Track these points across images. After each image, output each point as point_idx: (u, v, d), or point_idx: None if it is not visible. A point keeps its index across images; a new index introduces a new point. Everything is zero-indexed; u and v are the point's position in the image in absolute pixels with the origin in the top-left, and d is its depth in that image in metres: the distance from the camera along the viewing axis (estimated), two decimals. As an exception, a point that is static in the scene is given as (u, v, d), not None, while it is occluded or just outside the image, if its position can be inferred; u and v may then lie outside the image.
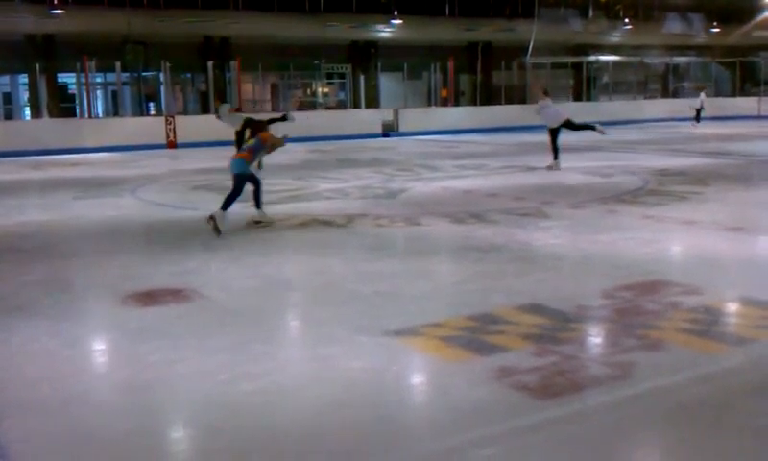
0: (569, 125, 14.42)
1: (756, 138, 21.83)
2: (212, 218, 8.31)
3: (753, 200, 10.50)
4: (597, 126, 14.81)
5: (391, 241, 8.14)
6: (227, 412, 3.73)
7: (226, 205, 8.48)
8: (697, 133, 24.48)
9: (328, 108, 32.27)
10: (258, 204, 8.99)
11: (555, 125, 14.35)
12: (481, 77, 33.98)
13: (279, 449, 3.38)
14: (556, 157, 14.29)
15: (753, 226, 8.55)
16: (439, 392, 4.02)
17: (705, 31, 38.41)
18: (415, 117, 27.82)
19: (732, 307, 5.48)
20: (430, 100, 31.86)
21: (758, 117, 31.25)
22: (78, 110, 26.93)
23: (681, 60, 37.46)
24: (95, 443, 3.49)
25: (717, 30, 38.37)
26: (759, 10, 36.07)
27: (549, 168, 14.20)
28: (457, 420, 3.58)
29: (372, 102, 31.58)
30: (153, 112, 29.61)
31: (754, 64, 37.45)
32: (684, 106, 30.17)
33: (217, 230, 8.23)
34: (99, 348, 5.04)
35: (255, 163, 9.46)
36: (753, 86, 37.27)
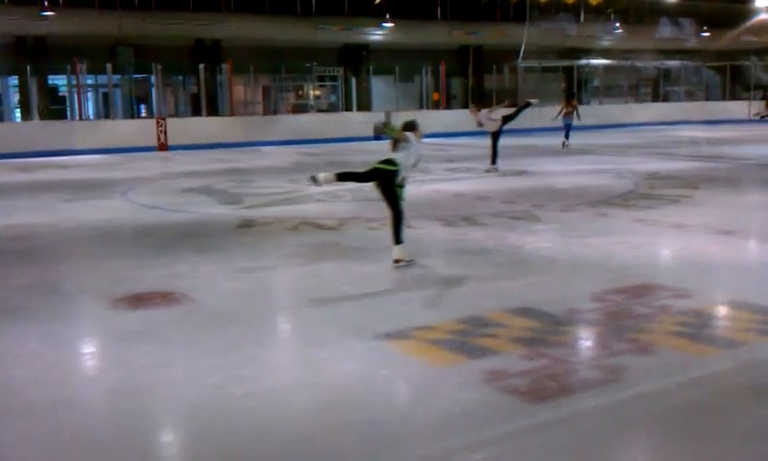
0: None
1: (745, 142, 21.91)
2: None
3: (742, 203, 10.54)
4: None
5: (382, 244, 8.13)
6: (216, 416, 3.71)
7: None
8: (686, 136, 24.56)
9: (320, 110, 32.25)
10: None
11: None
12: (472, 80, 34.04)
13: (270, 453, 3.37)
14: None
15: (742, 229, 8.57)
16: (429, 395, 4.02)
17: (695, 35, 38.55)
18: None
19: (722, 311, 5.49)
20: (422, 103, 31.87)
21: (748, 121, 31.40)
22: (68, 113, 26.79)
23: (671, 64, 37.57)
24: (84, 447, 3.47)
25: (707, 34, 38.52)
26: (749, 14, 36.24)
27: None
28: (447, 423, 3.58)
29: (364, 105, 31.57)
30: (144, 115, 29.49)
31: (743, 68, 37.63)
32: (674, 109, 30.14)
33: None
34: (88, 351, 5.02)
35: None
36: (743, 90, 37.45)
